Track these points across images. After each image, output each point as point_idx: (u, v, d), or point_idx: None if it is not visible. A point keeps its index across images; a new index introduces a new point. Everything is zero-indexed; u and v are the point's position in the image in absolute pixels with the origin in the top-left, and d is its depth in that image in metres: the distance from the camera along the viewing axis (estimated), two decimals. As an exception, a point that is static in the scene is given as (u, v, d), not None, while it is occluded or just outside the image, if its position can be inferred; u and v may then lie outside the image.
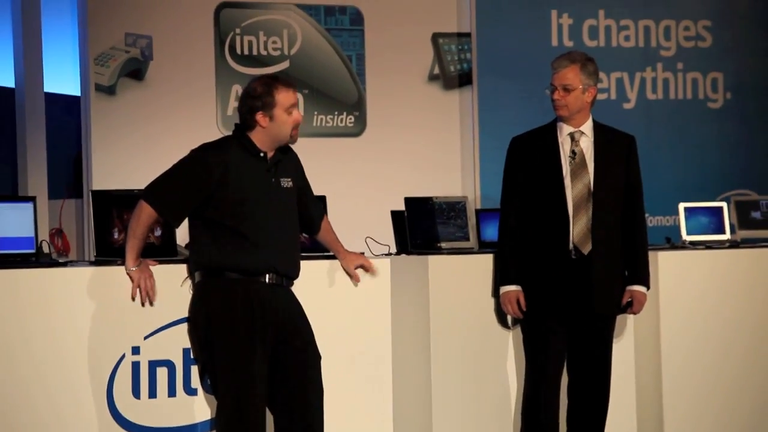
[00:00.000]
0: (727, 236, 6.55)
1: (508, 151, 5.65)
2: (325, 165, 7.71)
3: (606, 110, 7.50)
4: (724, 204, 6.63)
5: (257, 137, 4.97)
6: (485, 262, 5.83)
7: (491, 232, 6.12)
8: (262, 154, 4.98)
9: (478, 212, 6.43)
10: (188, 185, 4.91)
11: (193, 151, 4.99)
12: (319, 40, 8.12)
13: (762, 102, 8.83)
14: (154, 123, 7.69)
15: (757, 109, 8.83)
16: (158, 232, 5.23)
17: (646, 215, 5.78)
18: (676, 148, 8.60)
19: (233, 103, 7.78)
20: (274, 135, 4.96)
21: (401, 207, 6.07)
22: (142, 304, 5.00)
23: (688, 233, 6.50)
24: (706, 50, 8.78)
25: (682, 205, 6.56)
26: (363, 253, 5.56)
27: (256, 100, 4.94)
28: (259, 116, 4.93)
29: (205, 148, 5.00)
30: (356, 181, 7.99)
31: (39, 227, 5.26)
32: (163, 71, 7.74)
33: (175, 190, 4.92)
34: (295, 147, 5.14)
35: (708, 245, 6.47)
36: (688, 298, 6.22)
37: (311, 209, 5.24)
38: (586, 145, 5.53)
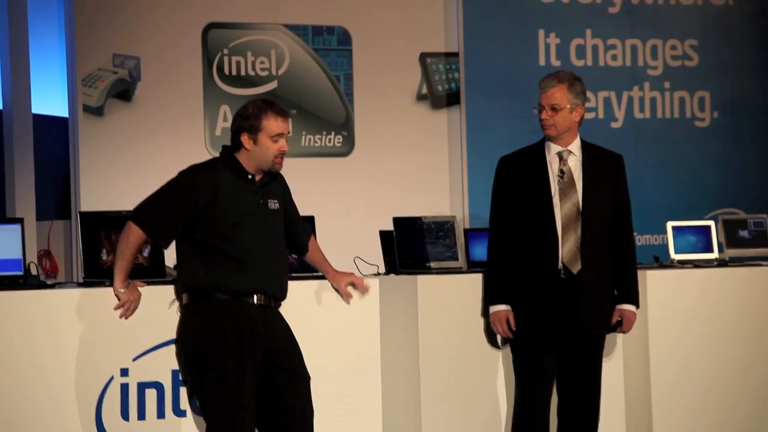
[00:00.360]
0: (715, 255, 6.56)
1: (497, 171, 5.65)
2: (314, 185, 7.72)
3: (594, 129, 7.52)
4: (712, 223, 6.64)
5: (243, 159, 4.97)
6: (474, 281, 5.83)
7: (480, 252, 6.11)
8: (250, 176, 4.98)
9: (466, 232, 6.42)
10: (177, 206, 4.90)
11: (181, 173, 4.99)
12: (307, 60, 8.13)
13: (749, 120, 8.86)
14: (143, 144, 7.69)
15: (745, 127, 8.86)
16: (146, 253, 5.23)
17: (635, 234, 5.78)
18: (664, 167, 8.62)
19: (221, 124, 7.78)
20: (256, 159, 4.95)
21: (390, 227, 6.07)
22: (125, 317, 4.99)
23: (676, 252, 6.51)
24: (693, 69, 8.81)
25: (670, 224, 6.57)
26: (352, 273, 5.55)
27: (244, 120, 4.95)
28: (244, 137, 4.93)
29: (193, 169, 5.00)
30: (345, 201, 7.99)
31: (27, 249, 5.25)
32: (151, 92, 7.74)
33: (163, 211, 4.91)
34: (283, 168, 5.13)
35: (696, 264, 6.48)
36: (677, 317, 6.23)
37: (298, 230, 5.24)
38: (575, 164, 5.53)
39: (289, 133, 4.99)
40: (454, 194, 8.26)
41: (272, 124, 4.92)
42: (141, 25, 7.78)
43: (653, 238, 8.34)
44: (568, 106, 5.47)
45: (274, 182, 5.06)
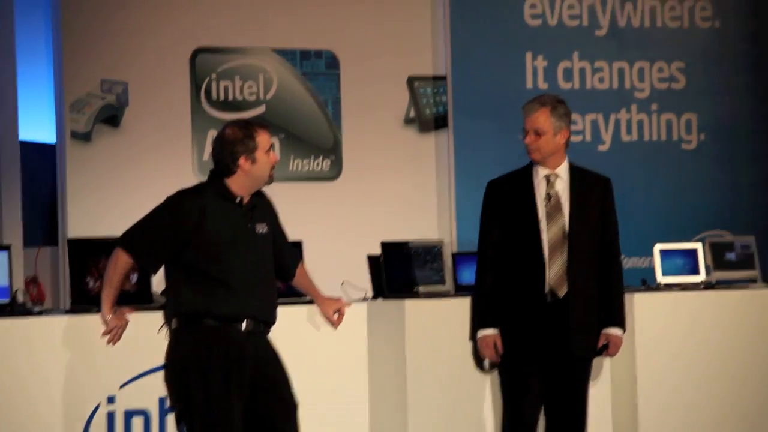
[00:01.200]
0: (702, 278, 6.57)
1: (485, 195, 5.65)
2: (302, 209, 7.70)
3: (581, 152, 7.51)
4: (699, 245, 6.65)
5: (236, 182, 4.98)
6: (462, 305, 5.83)
7: (468, 276, 6.11)
8: (238, 200, 4.99)
9: (454, 255, 6.42)
10: (165, 232, 4.91)
11: (169, 198, 5.00)
12: (295, 84, 8.14)
13: (736, 143, 8.87)
14: (130, 169, 7.67)
15: (732, 149, 8.86)
16: (134, 279, 5.23)
17: (622, 257, 5.77)
18: (651, 190, 8.61)
19: (210, 149, 7.77)
20: (255, 178, 4.98)
21: (378, 251, 6.07)
22: (112, 343, 4.98)
23: (664, 275, 6.52)
24: (680, 92, 8.82)
25: (657, 247, 6.57)
26: (340, 298, 5.55)
27: (237, 145, 4.95)
28: (242, 161, 4.95)
29: (181, 194, 5.00)
30: (333, 225, 7.98)
31: (14, 276, 5.25)
32: (139, 117, 7.74)
33: (151, 237, 4.92)
34: (271, 191, 5.15)
35: (683, 287, 6.48)
36: (665, 340, 6.23)
37: (286, 255, 5.24)
38: (562, 187, 5.54)
39: None
40: (443, 218, 8.26)
41: (264, 138, 4.98)
42: (129, 50, 7.78)
43: (641, 260, 8.34)
44: (552, 130, 5.47)
45: (262, 205, 5.07)
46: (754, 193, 8.84)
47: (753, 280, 6.68)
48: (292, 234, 5.33)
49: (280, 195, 5.37)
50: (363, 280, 6.17)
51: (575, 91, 8.50)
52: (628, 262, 8.22)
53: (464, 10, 8.33)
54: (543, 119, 5.46)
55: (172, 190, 5.02)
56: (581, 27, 8.62)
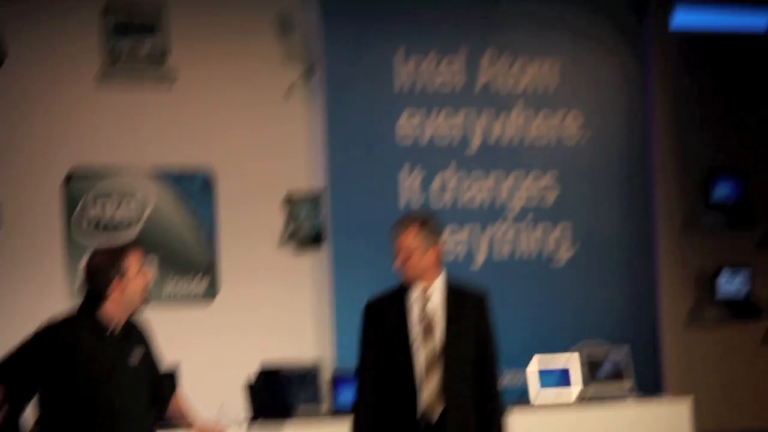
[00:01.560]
0: (577, 390, 6.61)
1: (362, 316, 5.59)
2: (177, 332, 7.60)
3: (455, 266, 7.56)
4: (574, 357, 6.70)
5: (109, 308, 4.91)
6: (339, 428, 5.79)
7: (347, 397, 6.08)
8: (111, 328, 4.92)
9: (333, 376, 6.40)
10: (35, 366, 4.83)
11: (39, 330, 4.91)
12: (171, 204, 8.10)
13: (609, 253, 8.97)
14: (0, 296, 7.55)
15: (606, 259, 8.94)
16: (2, 412, 5.10)
17: (500, 371, 5.72)
18: (526, 303, 8.63)
19: (83, 273, 7.69)
20: (128, 302, 4.92)
21: (256, 373, 6.03)
22: None
23: (539, 389, 6.55)
24: (554, 203, 8.91)
25: (532, 361, 6.61)
26: (218, 423, 5.49)
27: (106, 272, 4.89)
28: (113, 286, 4.89)
29: (50, 329, 4.91)
30: (209, 347, 7.86)
31: None
32: (9, 242, 7.63)
33: (21, 370, 4.83)
34: (146, 313, 5.09)
35: (558, 402, 6.51)
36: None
37: (160, 387, 5.16)
38: (437, 304, 5.50)
39: None
40: (322, 337, 8.19)
41: (133, 260, 4.93)
42: (1, 171, 7.69)
43: (517, 375, 8.28)
44: (422, 248, 5.46)
45: (135, 331, 5.01)
46: (629, 301, 8.95)
47: (627, 393, 6.75)
48: (167, 358, 5.26)
49: (155, 317, 5.31)
50: (241, 403, 6.12)
51: (449, 207, 8.58)
52: (505, 377, 8.23)
53: (339, 128, 8.38)
54: (411, 238, 5.44)
55: (43, 318, 4.94)
56: (452, 146, 8.72)
